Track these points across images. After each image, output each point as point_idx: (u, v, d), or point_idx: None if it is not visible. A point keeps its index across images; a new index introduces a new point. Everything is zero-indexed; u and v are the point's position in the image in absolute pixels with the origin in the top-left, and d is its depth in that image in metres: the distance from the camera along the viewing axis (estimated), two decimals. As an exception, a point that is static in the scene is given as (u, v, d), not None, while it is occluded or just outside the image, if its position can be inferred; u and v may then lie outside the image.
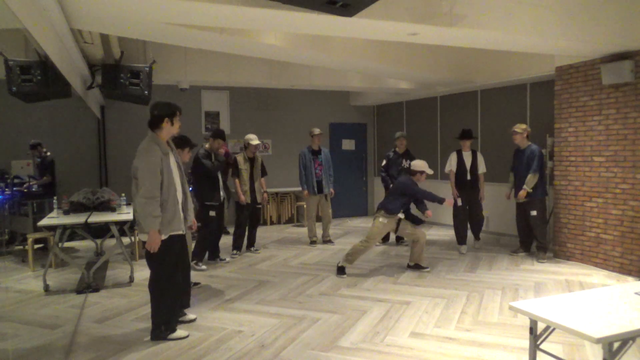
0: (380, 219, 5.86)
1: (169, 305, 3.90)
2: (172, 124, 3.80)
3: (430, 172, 6.05)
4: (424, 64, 7.26)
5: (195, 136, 6.25)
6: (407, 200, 5.93)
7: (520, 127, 6.44)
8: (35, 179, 7.64)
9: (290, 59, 6.77)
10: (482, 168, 7.14)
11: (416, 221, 6.06)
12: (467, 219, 7.16)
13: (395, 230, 6.05)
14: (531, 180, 6.27)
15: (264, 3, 3.71)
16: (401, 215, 5.97)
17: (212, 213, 6.10)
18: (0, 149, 8.07)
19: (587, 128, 6.08)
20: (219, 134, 6.36)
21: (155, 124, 3.79)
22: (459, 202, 7.06)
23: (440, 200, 5.83)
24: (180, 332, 3.95)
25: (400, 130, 10.35)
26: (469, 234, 7.26)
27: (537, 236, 6.46)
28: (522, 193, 6.33)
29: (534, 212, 6.36)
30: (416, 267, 6.03)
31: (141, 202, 3.62)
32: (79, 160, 8.72)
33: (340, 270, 5.84)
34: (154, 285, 3.86)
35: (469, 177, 7.06)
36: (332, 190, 7.71)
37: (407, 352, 3.62)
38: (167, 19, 4.27)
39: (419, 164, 6.02)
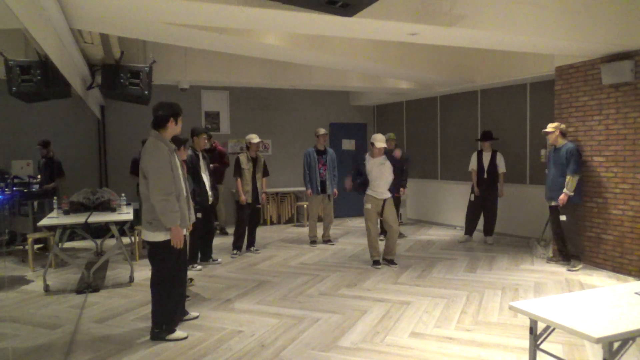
0: (366, 205, 6.22)
1: (173, 304, 3.94)
2: (176, 123, 3.89)
3: (378, 145, 6.08)
4: (424, 64, 7.27)
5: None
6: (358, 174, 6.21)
7: (551, 126, 6.01)
8: (34, 178, 7.63)
9: (290, 59, 6.77)
10: (501, 168, 7.54)
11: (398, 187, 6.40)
12: (477, 214, 7.74)
13: (381, 214, 6.25)
14: (570, 182, 5.78)
15: (264, 3, 3.71)
16: (376, 194, 6.14)
17: (199, 215, 5.97)
18: (0, 149, 8.07)
19: (587, 128, 6.08)
20: (201, 129, 6.19)
21: (160, 124, 3.84)
22: (472, 198, 7.74)
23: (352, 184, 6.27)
24: (179, 333, 3.95)
25: (401, 131, 10.38)
26: (479, 234, 7.81)
27: (567, 243, 6.02)
28: (563, 197, 5.80)
29: (563, 217, 5.93)
30: (390, 262, 6.33)
31: (159, 199, 3.64)
32: (79, 160, 8.72)
33: (374, 263, 6.29)
34: (159, 283, 3.87)
35: (485, 176, 7.55)
36: (335, 190, 7.72)
37: (407, 352, 3.62)
38: (167, 19, 4.27)
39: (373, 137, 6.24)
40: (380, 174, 6.10)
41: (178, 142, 4.83)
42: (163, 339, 3.87)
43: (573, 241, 6.01)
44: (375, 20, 4.14)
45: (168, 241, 3.76)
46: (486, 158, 7.59)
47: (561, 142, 5.98)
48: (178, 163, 3.93)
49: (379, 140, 6.11)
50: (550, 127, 6.04)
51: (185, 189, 3.99)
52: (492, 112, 8.43)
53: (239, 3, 3.71)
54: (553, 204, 6.09)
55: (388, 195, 6.18)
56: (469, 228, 7.81)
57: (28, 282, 5.78)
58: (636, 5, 5.19)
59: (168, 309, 3.91)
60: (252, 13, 3.89)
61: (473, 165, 7.73)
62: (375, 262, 6.27)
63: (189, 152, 5.90)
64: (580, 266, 5.96)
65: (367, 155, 6.24)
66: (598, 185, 5.96)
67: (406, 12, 4.25)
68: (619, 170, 5.72)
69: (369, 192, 6.18)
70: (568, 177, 5.81)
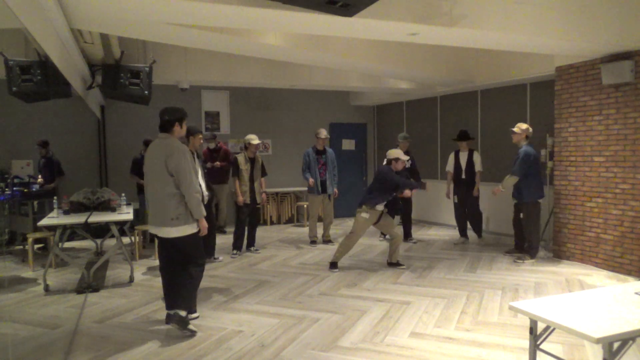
0: (362, 214, 6.02)
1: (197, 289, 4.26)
2: (181, 126, 4.08)
3: (404, 158, 6.05)
4: (424, 64, 7.26)
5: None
6: (387, 191, 5.96)
7: (519, 127, 6.31)
8: (35, 179, 7.64)
9: (290, 59, 6.77)
10: (477, 166, 7.43)
11: (395, 211, 6.23)
12: (465, 215, 7.65)
13: (376, 223, 6.14)
14: (506, 180, 6.21)
15: (264, 3, 3.71)
16: (381, 208, 6.06)
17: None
18: (0, 149, 8.07)
19: (587, 128, 6.08)
20: (196, 129, 5.89)
21: (167, 127, 4.02)
22: (455, 200, 7.67)
23: (417, 186, 6.30)
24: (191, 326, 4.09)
25: (401, 131, 10.38)
26: (472, 234, 7.74)
27: (526, 238, 6.44)
28: (495, 190, 6.33)
29: (521, 215, 6.39)
30: (395, 264, 6.21)
31: (193, 193, 3.92)
32: (79, 160, 8.72)
33: (332, 265, 6.11)
34: (196, 271, 4.10)
35: (463, 176, 7.45)
36: (335, 190, 7.70)
37: (407, 352, 3.62)
38: (167, 19, 4.27)
39: (393, 152, 6.10)
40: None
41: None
42: (188, 324, 3.98)
43: (530, 237, 6.36)
44: (375, 20, 4.14)
45: (194, 233, 4.00)
46: (463, 158, 7.48)
47: (523, 143, 6.27)
48: None
49: (400, 155, 6.03)
50: (517, 128, 6.29)
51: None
52: (492, 112, 8.42)
53: (239, 3, 3.71)
54: (514, 201, 6.53)
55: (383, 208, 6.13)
56: (461, 229, 7.72)
57: (28, 282, 5.78)
58: (636, 5, 5.19)
59: (195, 294, 4.21)
60: (252, 13, 3.89)
61: (450, 166, 7.60)
62: (333, 265, 6.08)
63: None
64: (530, 260, 6.33)
65: (391, 169, 6.01)
66: (598, 185, 5.96)
67: (406, 12, 4.25)
68: (619, 170, 5.72)
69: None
70: (507, 176, 6.22)
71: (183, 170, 3.88)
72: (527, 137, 6.30)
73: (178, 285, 4.07)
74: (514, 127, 6.36)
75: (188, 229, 3.96)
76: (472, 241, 7.73)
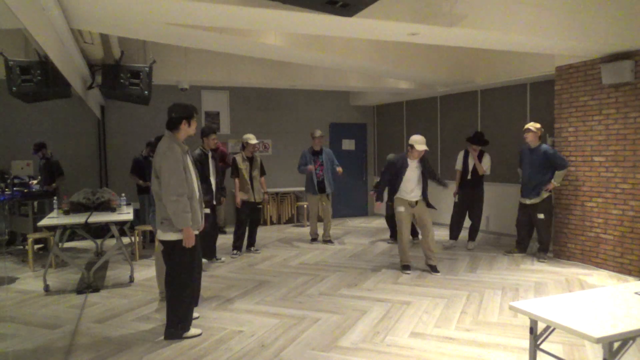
0: (398, 209, 5.97)
1: (187, 302, 3.96)
2: (189, 125, 3.89)
3: (419, 148, 5.84)
4: (424, 64, 7.26)
5: (196, 137, 6.19)
6: (387, 180, 6.05)
7: (534, 126, 6.27)
8: (34, 179, 7.64)
9: (290, 59, 6.77)
10: (484, 168, 7.05)
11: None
12: (462, 217, 7.34)
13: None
14: (558, 176, 6.10)
15: (264, 3, 3.71)
16: (408, 197, 5.95)
17: (207, 211, 6.03)
18: (0, 149, 8.07)
19: (587, 128, 6.08)
20: (211, 130, 6.18)
21: (173, 125, 3.86)
22: (455, 199, 7.40)
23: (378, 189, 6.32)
24: (194, 330, 3.99)
25: (401, 131, 10.39)
26: (465, 234, 7.49)
27: (541, 238, 6.45)
28: (551, 186, 6.17)
29: (541, 215, 6.30)
30: (432, 268, 5.96)
31: (171, 200, 3.69)
32: (79, 160, 8.72)
33: (404, 268, 5.97)
34: (172, 282, 3.88)
35: (469, 177, 7.15)
36: (339, 169, 7.61)
37: (407, 352, 3.62)
38: (167, 19, 4.27)
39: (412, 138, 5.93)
40: (414, 176, 5.95)
41: None
42: (179, 337, 3.89)
43: (547, 236, 6.44)
44: (375, 20, 4.14)
45: (179, 241, 3.79)
46: (472, 159, 7.15)
47: (537, 142, 6.30)
48: (191, 164, 3.95)
49: (420, 143, 5.83)
50: (534, 127, 6.28)
51: (198, 190, 4.00)
52: (492, 112, 8.42)
53: (239, 3, 3.71)
54: (528, 202, 6.42)
55: (419, 196, 6.00)
56: (454, 232, 7.36)
57: (28, 282, 5.77)
58: (636, 5, 5.19)
59: (183, 307, 3.92)
60: (252, 13, 3.89)
61: (458, 165, 7.26)
62: (405, 267, 5.95)
63: (198, 151, 5.94)
64: (547, 258, 6.44)
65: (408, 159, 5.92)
66: (598, 185, 5.96)
67: (406, 12, 4.25)
68: (619, 170, 5.72)
69: (399, 195, 5.94)
70: (560, 172, 6.11)
71: (163, 172, 3.69)
72: (540, 137, 6.31)
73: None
74: (527, 125, 6.32)
75: (171, 235, 3.78)
76: (462, 244, 7.40)
